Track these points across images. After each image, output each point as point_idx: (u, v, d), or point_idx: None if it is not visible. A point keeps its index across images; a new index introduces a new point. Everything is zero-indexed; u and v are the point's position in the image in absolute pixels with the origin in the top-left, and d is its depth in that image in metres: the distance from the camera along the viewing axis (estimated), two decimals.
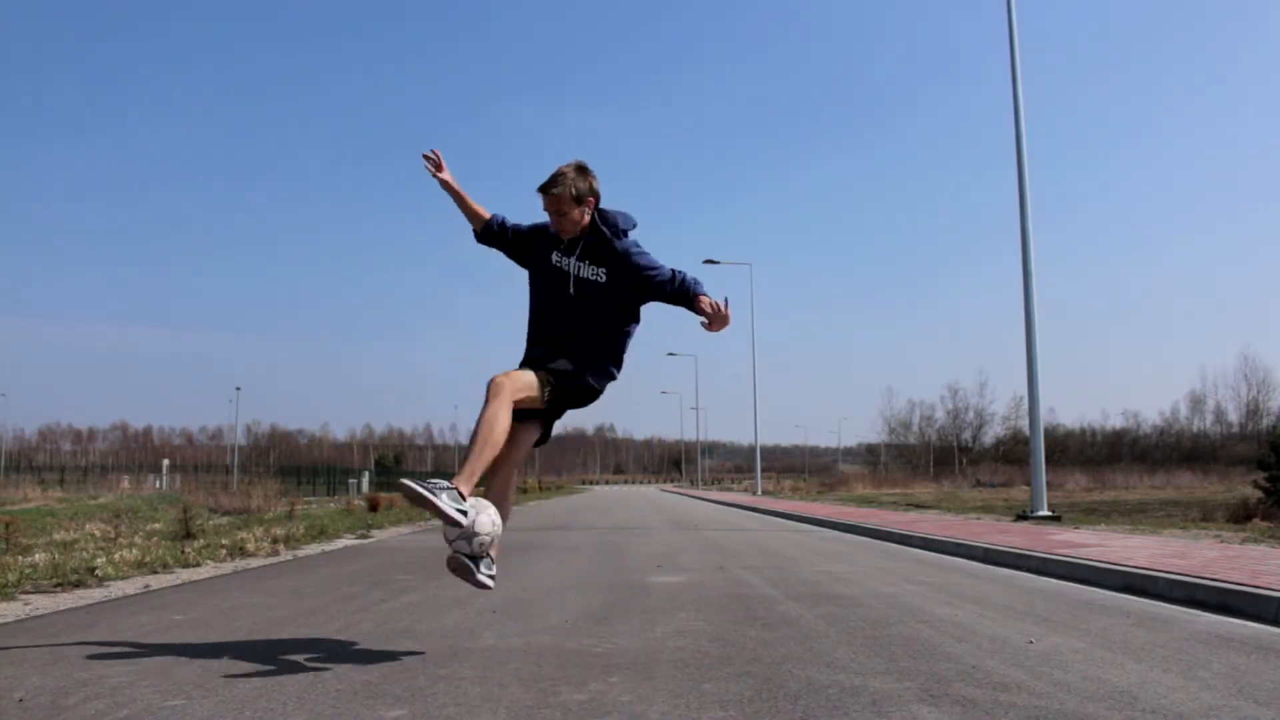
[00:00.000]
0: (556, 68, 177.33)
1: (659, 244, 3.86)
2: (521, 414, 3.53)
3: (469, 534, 3.29)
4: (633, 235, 3.71)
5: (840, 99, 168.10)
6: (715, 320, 3.50)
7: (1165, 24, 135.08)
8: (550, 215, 3.62)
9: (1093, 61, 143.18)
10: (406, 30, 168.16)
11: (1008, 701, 2.69)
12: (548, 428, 3.74)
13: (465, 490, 3.27)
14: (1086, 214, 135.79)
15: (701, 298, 3.54)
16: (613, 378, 3.73)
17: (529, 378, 3.50)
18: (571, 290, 3.61)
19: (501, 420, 3.35)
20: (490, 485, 3.60)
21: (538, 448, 3.81)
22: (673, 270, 3.64)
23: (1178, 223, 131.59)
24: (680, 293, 3.60)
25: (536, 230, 3.79)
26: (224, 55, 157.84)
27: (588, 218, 3.64)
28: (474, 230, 3.90)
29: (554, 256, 3.68)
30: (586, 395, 3.66)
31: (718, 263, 34.67)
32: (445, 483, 3.25)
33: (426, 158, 3.78)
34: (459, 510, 3.22)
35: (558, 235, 3.68)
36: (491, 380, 3.41)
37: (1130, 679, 3.01)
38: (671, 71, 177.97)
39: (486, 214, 3.87)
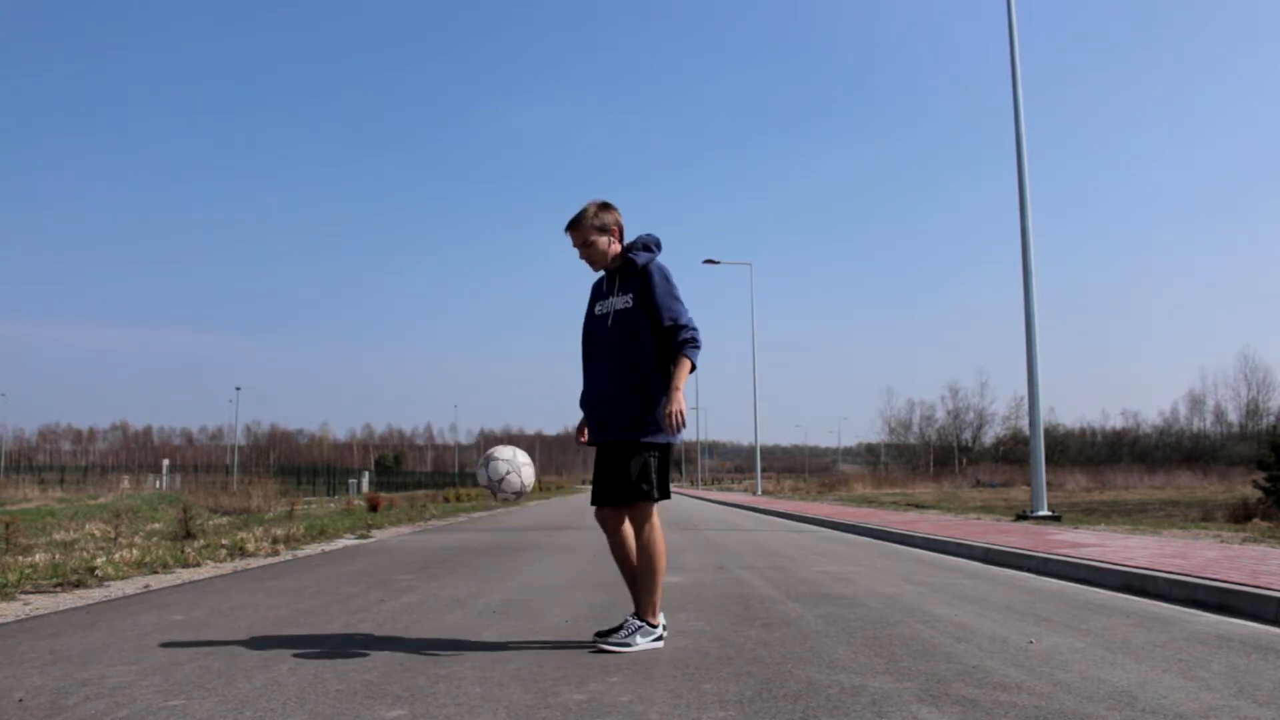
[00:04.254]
0: (557, 68, 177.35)
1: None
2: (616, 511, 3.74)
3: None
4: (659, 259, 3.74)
5: (841, 100, 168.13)
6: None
7: (1166, 24, 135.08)
8: (579, 251, 3.74)
9: (1094, 63, 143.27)
10: (406, 30, 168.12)
11: (1008, 701, 2.69)
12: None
13: (654, 620, 3.62)
14: (1087, 214, 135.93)
15: (678, 372, 3.53)
16: (647, 427, 3.56)
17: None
18: (610, 324, 3.67)
19: (656, 540, 3.63)
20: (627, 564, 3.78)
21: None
22: (679, 318, 3.59)
23: (1178, 223, 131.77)
24: (669, 337, 3.59)
25: (589, 306, 3.86)
26: (224, 55, 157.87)
27: (616, 248, 3.73)
28: None
29: (597, 307, 3.76)
30: (638, 454, 3.58)
31: (718, 263, 34.53)
32: (634, 623, 3.57)
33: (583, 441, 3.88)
34: (655, 640, 3.59)
35: (598, 288, 3.81)
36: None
37: (1130, 679, 3.01)
38: (672, 72, 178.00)
39: None
